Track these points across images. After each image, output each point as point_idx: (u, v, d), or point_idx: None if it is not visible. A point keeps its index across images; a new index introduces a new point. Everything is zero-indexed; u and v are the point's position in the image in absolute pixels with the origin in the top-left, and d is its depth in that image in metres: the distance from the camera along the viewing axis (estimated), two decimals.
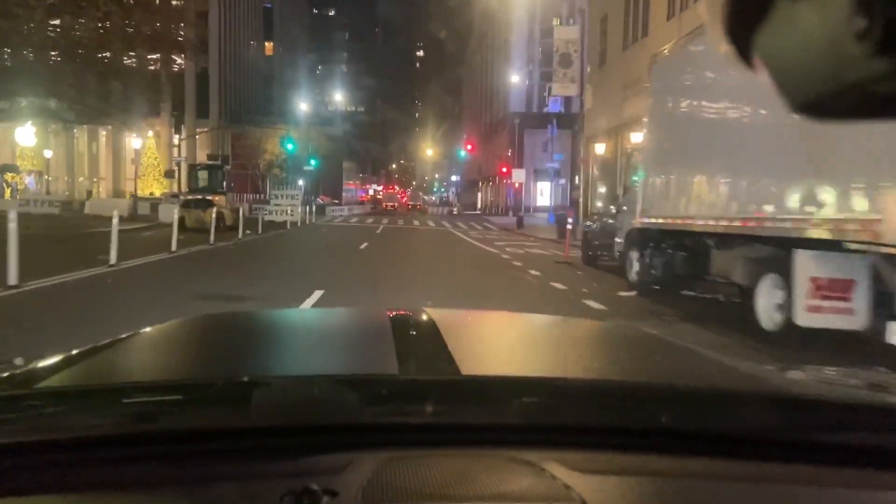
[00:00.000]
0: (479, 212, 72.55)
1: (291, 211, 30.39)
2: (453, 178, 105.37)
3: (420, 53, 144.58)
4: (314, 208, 49.80)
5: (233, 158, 70.28)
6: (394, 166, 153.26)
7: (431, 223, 37.62)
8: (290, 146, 42.78)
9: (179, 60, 73.25)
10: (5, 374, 1.12)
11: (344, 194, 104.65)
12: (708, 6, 0.48)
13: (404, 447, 0.85)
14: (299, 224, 30.87)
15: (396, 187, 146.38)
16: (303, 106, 53.26)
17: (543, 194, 60.98)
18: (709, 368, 1.34)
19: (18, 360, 1.24)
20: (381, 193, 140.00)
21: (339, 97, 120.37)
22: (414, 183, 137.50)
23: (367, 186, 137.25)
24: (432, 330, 1.45)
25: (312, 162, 50.61)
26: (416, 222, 38.20)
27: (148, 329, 1.45)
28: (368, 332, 1.58)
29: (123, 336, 1.37)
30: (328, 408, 0.89)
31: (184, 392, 0.95)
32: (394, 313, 1.75)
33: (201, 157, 72.06)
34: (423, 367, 1.19)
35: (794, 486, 0.83)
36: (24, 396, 0.97)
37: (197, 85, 69.22)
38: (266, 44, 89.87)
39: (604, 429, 0.90)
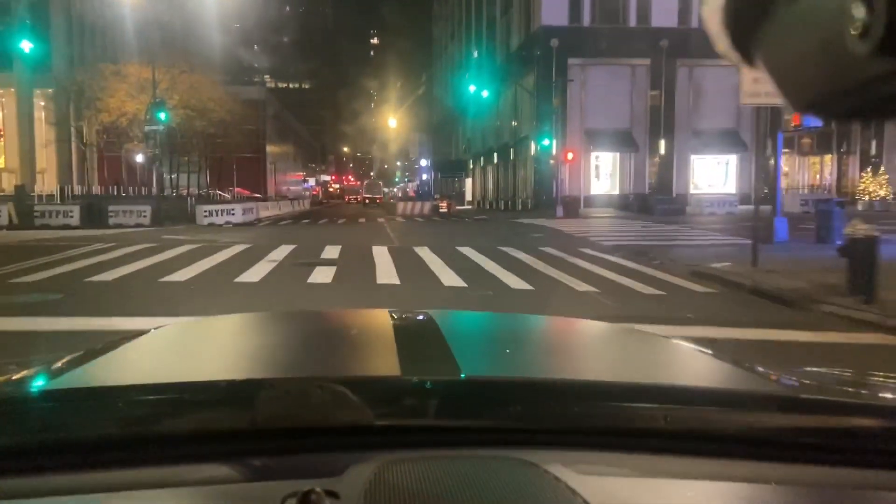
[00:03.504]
0: (469, 207, 47.20)
1: None
2: (423, 162, 79.59)
3: (375, 41, 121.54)
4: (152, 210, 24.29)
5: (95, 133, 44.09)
6: (346, 150, 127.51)
7: (447, 270, 10.09)
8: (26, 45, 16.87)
9: None
10: (9, 376, 1.15)
11: (290, 187, 78.98)
12: (709, 6, 0.47)
13: (406, 449, 0.84)
14: None
15: (351, 178, 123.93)
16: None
17: (601, 176, 35.78)
18: (714, 370, 1.33)
19: (22, 362, 1.29)
20: (332, 184, 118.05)
21: (266, 60, 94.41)
22: (373, 173, 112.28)
23: (315, 177, 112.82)
24: (435, 331, 1.45)
25: (162, 116, 24.84)
26: (385, 268, 10.71)
27: (150, 331, 1.46)
28: (370, 333, 1.56)
29: (126, 338, 1.39)
30: (330, 409, 0.89)
31: (186, 393, 0.94)
32: (396, 315, 1.72)
33: (46, 132, 45.28)
34: (425, 369, 1.13)
35: (798, 487, 0.84)
36: (27, 398, 1.00)
37: (31, 19, 42.70)
38: None
39: (607, 430, 0.91)
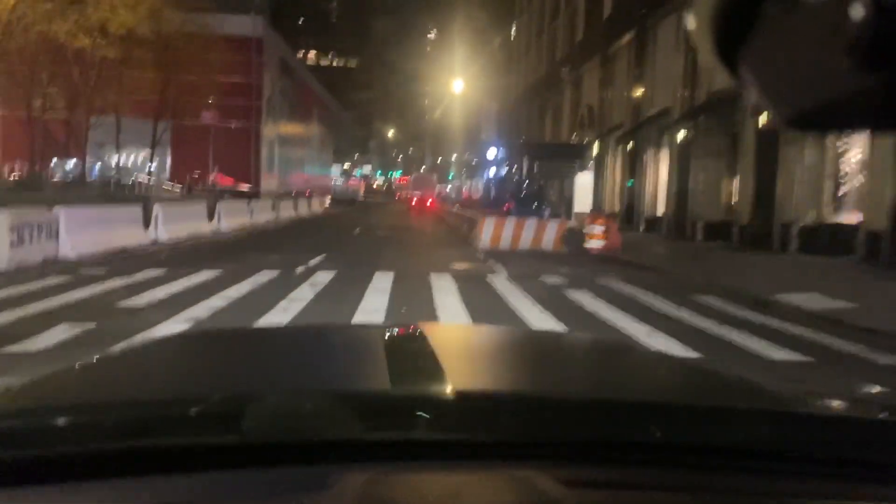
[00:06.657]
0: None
1: None
2: (491, 152, 57.93)
3: (431, 36, 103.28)
4: None
5: None
6: (391, 135, 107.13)
7: None
8: None
9: None
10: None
11: (312, 178, 58.73)
12: (696, 18, 0.47)
13: (395, 463, 0.84)
14: None
15: (399, 172, 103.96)
16: None
17: None
18: (700, 382, 1.35)
19: (13, 378, 1.28)
20: (373, 179, 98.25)
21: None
22: (424, 167, 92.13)
23: (357, 168, 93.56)
24: (425, 345, 1.47)
25: None
26: None
27: (141, 344, 1.44)
28: (360, 347, 1.57)
29: (117, 351, 1.38)
30: (319, 423, 0.89)
31: (174, 408, 0.93)
32: (386, 329, 1.76)
33: None
34: (414, 383, 1.15)
35: (784, 498, 0.84)
36: (15, 413, 0.99)
37: None
38: None
39: (595, 443, 0.91)
